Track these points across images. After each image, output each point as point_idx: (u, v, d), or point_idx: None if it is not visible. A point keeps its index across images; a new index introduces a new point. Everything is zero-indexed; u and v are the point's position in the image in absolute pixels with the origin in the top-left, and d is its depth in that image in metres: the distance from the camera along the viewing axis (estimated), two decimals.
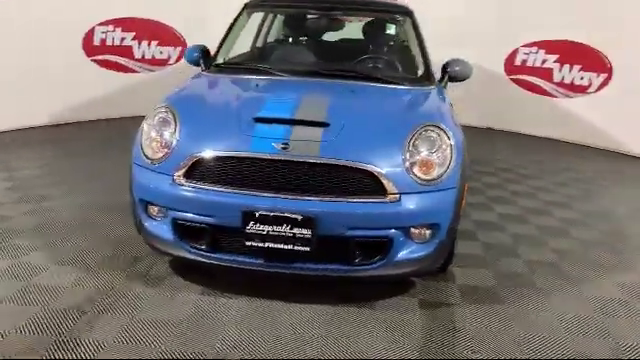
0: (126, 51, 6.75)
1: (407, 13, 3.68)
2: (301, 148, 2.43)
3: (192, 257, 2.57)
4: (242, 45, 3.94)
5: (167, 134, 2.61)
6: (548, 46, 6.43)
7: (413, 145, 2.51)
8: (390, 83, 3.17)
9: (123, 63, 6.76)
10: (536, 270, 3.11)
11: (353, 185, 2.40)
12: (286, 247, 2.39)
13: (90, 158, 4.92)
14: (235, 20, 3.70)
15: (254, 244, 2.41)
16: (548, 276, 3.05)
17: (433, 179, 2.47)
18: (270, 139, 2.47)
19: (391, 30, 4.26)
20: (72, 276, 2.74)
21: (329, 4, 3.71)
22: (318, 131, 2.52)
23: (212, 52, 3.56)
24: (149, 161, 2.60)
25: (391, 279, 2.74)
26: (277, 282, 2.73)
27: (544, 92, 6.47)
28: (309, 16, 4.04)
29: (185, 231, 2.54)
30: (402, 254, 2.48)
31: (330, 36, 4.31)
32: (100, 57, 6.57)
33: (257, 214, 2.36)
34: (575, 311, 2.68)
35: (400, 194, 2.41)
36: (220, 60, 3.54)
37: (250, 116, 2.60)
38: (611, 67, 6.01)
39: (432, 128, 2.59)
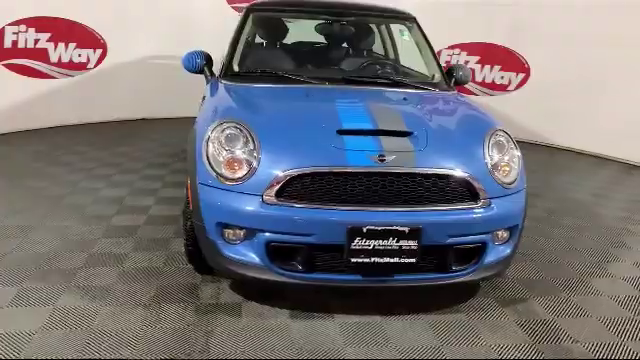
0: (41, 54, 6.02)
1: (412, 19, 3.76)
2: (397, 159, 2.40)
3: (283, 279, 2.42)
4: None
5: (242, 151, 2.43)
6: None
7: (491, 150, 2.60)
8: (421, 88, 3.23)
9: (38, 68, 6.02)
10: None
11: (449, 193, 2.43)
12: (392, 260, 2.35)
13: (32, 178, 4.31)
14: (242, 25, 3.50)
15: (359, 260, 2.33)
16: None
17: (511, 182, 2.58)
18: (364, 152, 2.41)
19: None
20: (138, 324, 2.41)
21: (336, 9, 3.67)
22: (406, 141, 2.51)
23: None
24: (227, 181, 2.40)
25: (476, 282, 2.77)
26: (358, 296, 2.67)
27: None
28: (316, 21, 3.95)
29: (276, 253, 2.38)
30: (490, 257, 2.56)
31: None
32: (12, 61, 5.79)
33: (365, 229, 2.29)
34: None
35: (490, 199, 2.48)
36: (236, 67, 3.33)
37: (333, 128, 2.51)
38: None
39: (501, 133, 2.70)
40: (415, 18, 3.73)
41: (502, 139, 2.68)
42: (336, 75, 3.31)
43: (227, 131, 2.49)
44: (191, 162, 2.56)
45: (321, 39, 4.05)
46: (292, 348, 2.28)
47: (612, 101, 5.88)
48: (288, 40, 3.98)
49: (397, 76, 3.44)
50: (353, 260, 2.33)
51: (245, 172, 2.38)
